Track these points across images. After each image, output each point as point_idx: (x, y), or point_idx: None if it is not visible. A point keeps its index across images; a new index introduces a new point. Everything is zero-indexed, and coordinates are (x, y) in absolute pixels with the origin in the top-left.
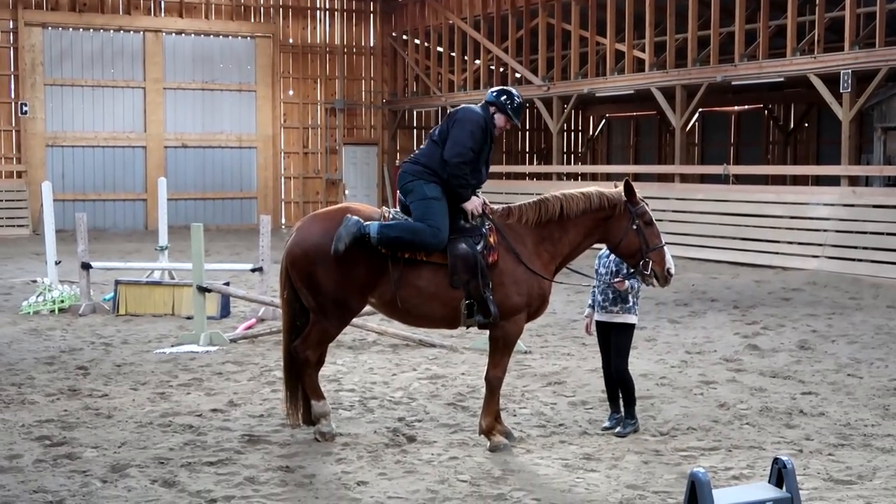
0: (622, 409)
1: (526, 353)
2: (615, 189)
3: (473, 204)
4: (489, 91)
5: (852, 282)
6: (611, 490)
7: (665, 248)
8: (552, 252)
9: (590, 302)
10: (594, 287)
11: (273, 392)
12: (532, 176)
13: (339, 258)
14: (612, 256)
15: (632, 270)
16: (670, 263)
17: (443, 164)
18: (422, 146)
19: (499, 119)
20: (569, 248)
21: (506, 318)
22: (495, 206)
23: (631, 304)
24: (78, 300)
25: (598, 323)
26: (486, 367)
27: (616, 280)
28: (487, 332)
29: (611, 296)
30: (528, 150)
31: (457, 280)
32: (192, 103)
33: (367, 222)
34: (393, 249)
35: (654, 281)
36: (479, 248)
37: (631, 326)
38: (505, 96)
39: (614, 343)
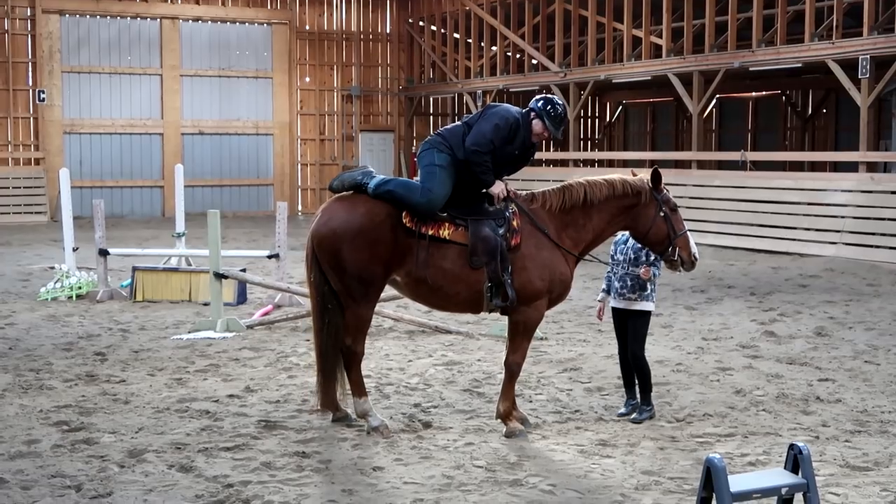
0: (638, 395)
1: (542, 339)
2: (636, 176)
3: (499, 187)
4: (534, 98)
5: (870, 268)
6: (626, 476)
7: (688, 232)
8: (575, 238)
9: (604, 287)
10: (609, 272)
11: (289, 378)
12: (549, 162)
13: (366, 235)
14: (630, 243)
15: (653, 258)
16: (694, 248)
17: (461, 143)
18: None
19: (536, 125)
20: (592, 235)
21: (527, 302)
22: (519, 192)
23: (649, 291)
24: (95, 286)
25: (615, 310)
26: (505, 352)
27: (642, 269)
28: (506, 317)
29: (629, 283)
30: None
31: (476, 261)
32: (209, 90)
33: (372, 177)
34: (388, 202)
35: (682, 267)
36: (501, 231)
37: (648, 313)
38: (549, 106)
39: (631, 329)
